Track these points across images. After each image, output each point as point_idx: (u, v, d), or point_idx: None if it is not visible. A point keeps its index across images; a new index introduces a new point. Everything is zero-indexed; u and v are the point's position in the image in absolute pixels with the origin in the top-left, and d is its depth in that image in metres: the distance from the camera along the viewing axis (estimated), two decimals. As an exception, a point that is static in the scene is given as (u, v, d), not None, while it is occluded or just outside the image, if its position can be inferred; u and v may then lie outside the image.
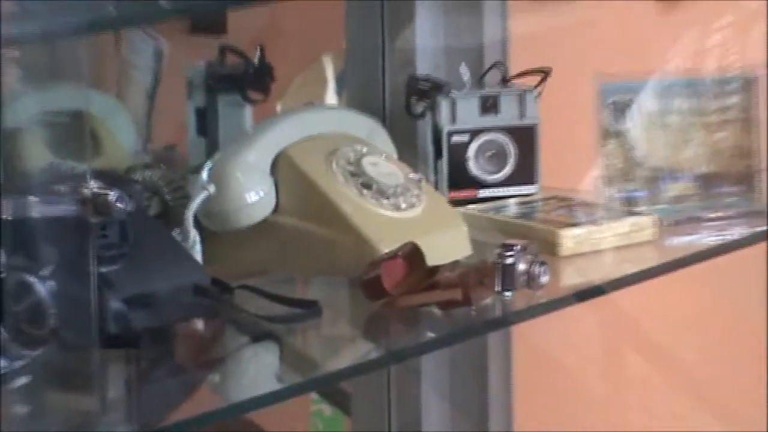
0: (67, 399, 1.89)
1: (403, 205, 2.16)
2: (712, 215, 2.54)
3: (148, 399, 1.99)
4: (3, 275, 1.86)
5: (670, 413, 3.53)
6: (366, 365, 2.26)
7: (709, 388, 3.19)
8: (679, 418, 3.51)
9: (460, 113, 2.42)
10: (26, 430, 2.05)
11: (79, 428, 1.90)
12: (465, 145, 2.42)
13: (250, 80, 2.43)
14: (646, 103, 2.59)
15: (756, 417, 3.16)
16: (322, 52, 2.68)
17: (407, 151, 2.41)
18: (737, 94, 2.52)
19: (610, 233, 2.32)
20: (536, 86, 2.48)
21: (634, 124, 2.56)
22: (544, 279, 2.08)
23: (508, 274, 2.07)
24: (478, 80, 2.50)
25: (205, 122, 2.44)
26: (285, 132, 2.25)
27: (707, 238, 2.50)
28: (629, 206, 2.46)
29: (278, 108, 2.47)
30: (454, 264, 2.13)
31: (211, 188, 2.17)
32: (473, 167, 2.43)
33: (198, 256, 2.13)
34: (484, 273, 2.06)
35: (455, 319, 2.12)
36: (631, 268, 2.32)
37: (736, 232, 2.54)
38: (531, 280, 2.08)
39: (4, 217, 1.95)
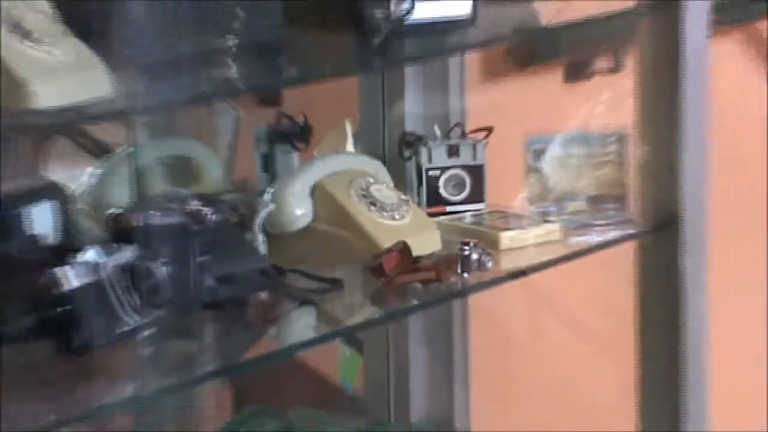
0: (176, 345, 2.06)
1: (397, 217, 2.27)
2: (597, 223, 2.59)
3: (231, 345, 2.16)
4: (136, 263, 1.97)
5: (575, 360, 3.58)
6: (372, 322, 2.47)
7: (606, 344, 3.16)
8: (584, 367, 3.57)
9: (434, 156, 2.50)
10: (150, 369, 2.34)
11: (183, 365, 2.11)
12: (437, 178, 2.50)
13: (297, 135, 2.51)
14: (554, 149, 2.65)
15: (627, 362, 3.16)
16: (344, 116, 2.68)
17: (399, 181, 2.48)
18: (614, 144, 2.61)
19: (531, 235, 2.43)
20: (483, 138, 2.59)
21: (546, 163, 2.63)
22: (489, 265, 2.20)
23: (465, 261, 2.20)
24: (446, 135, 2.59)
25: (267, 163, 2.52)
26: (320, 169, 2.35)
27: (594, 239, 2.56)
28: (544, 217, 2.54)
29: (315, 153, 2.67)
30: (430, 255, 2.26)
31: (272, 206, 2.29)
32: (443, 192, 2.51)
33: (262, 250, 2.27)
34: (450, 261, 2.22)
35: (431, 291, 2.27)
36: (544, 258, 2.41)
37: (613, 234, 2.61)
38: (480, 265, 2.21)
39: (135, 224, 2.06)
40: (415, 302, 2.36)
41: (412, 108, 2.79)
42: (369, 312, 2.38)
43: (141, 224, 2.03)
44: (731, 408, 3.26)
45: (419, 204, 2.44)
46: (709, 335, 2.73)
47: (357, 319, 2.35)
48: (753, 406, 3.80)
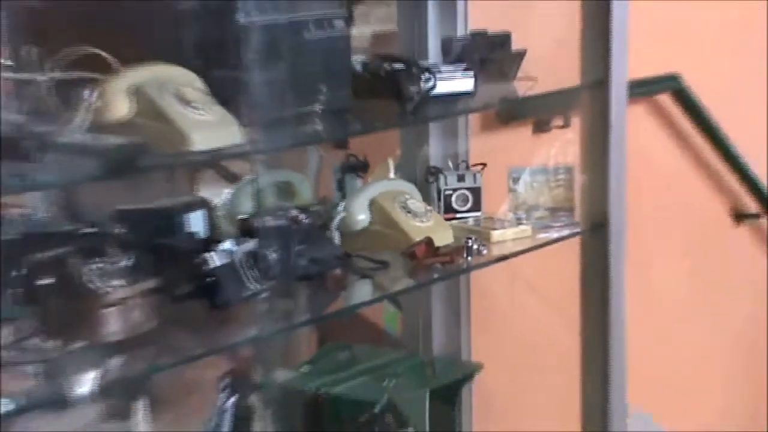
0: (281, 304, 2.06)
1: (424, 220, 2.31)
2: (554, 226, 2.57)
3: (316, 304, 2.18)
4: (256, 251, 1.99)
5: (540, 311, 3.45)
6: (407, 289, 2.46)
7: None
8: (544, 315, 3.44)
9: (448, 181, 2.51)
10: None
11: (286, 316, 2.19)
12: (450, 195, 2.49)
13: (359, 167, 2.53)
14: (526, 177, 2.59)
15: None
16: (388, 154, 2.67)
17: (426, 197, 2.47)
18: (564, 174, 2.55)
19: (511, 233, 2.44)
20: (480, 170, 2.57)
21: (520, 186, 2.58)
22: (484, 252, 2.28)
23: (468, 250, 2.26)
24: (456, 167, 2.61)
25: (340, 185, 2.54)
26: (374, 189, 2.37)
27: (552, 235, 2.51)
28: (519, 221, 2.52)
29: (370, 179, 2.67)
30: (446, 246, 2.30)
31: (343, 213, 2.32)
32: (453, 204, 2.48)
33: (337, 243, 2.31)
34: (458, 249, 2.28)
35: (446, 269, 2.32)
36: (519, 248, 2.41)
37: (564, 233, 2.64)
38: (478, 252, 2.28)
39: (256, 225, 2.09)
40: (435, 276, 2.38)
41: (434, 149, 2.74)
42: (405, 283, 2.34)
43: (259, 225, 2.08)
44: (647, 357, 3.17)
45: (438, 212, 2.45)
46: (625, 298, 2.62)
47: (397, 287, 2.36)
48: (667, 359, 3.62)
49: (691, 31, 3.46)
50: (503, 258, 2.38)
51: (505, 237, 2.38)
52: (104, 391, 1.78)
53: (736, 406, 3.91)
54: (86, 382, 1.71)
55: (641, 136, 3.05)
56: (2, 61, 1.97)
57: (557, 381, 2.93)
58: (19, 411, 1.63)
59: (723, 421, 3.76)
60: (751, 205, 3.70)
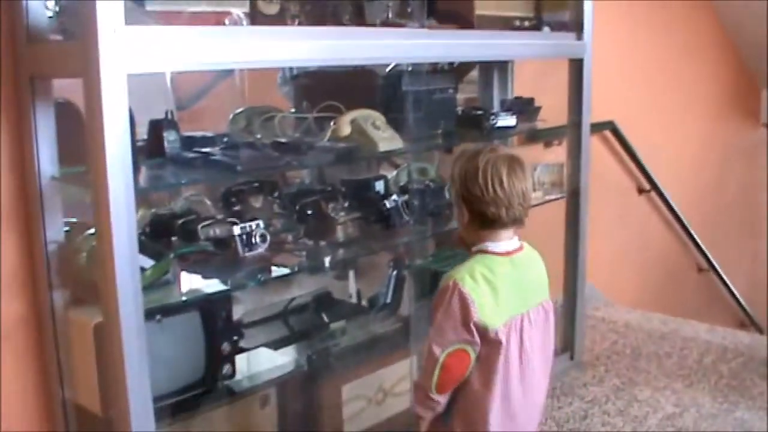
0: (418, 226, 2.86)
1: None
2: (553, 193, 3.51)
3: (435, 227, 3.05)
4: (409, 201, 2.80)
5: (545, 236, 3.44)
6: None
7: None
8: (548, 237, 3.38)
9: None
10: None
11: (422, 233, 3.04)
12: None
13: None
14: (540, 169, 3.53)
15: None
16: None
17: None
18: (559, 168, 3.59)
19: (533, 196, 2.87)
20: None
21: (537, 173, 3.52)
22: None
23: None
24: None
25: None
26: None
27: (551, 197, 3.48)
28: (536, 190, 3.30)
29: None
30: None
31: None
32: None
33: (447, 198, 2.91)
34: None
35: None
36: (535, 203, 3.03)
37: (557, 196, 3.51)
38: None
39: (409, 188, 2.80)
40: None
41: None
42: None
43: (410, 188, 3.00)
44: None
45: None
46: (586, 225, 3.62)
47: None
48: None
49: (623, 89, 4.68)
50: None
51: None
52: (335, 265, 2.88)
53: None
54: (326, 259, 2.65)
55: (596, 152, 3.96)
56: (289, 112, 3.01)
57: (551, 263, 3.12)
58: (296, 272, 2.64)
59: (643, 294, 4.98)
60: (646, 185, 5.17)
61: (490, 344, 1.97)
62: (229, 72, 2.96)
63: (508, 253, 2.03)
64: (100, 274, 2.03)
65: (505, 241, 2.03)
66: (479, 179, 1.96)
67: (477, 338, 1.95)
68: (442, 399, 2.01)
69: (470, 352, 1.97)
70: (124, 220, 1.97)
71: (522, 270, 2.05)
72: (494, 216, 1.99)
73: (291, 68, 3.18)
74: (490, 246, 2.01)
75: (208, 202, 2.76)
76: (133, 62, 1.96)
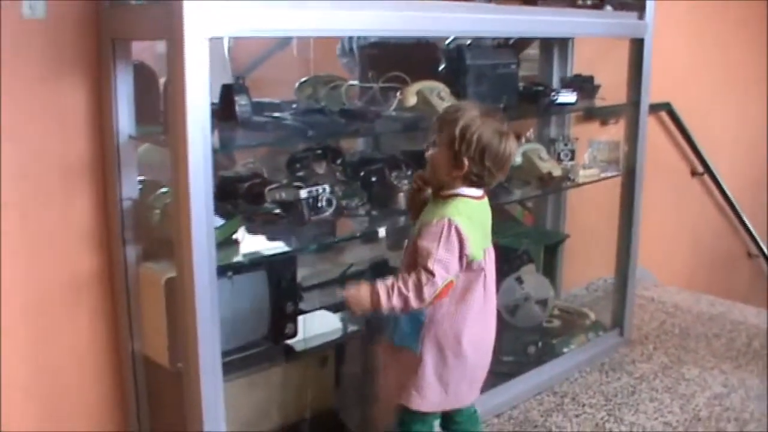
0: None
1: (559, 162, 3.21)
2: (609, 170, 3.53)
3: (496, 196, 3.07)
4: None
5: (590, 209, 3.91)
6: (538, 195, 3.52)
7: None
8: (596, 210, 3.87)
9: (559, 146, 3.41)
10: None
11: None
12: (561, 152, 3.43)
13: (517, 136, 2.74)
14: (595, 145, 3.63)
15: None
16: (531, 130, 3.58)
17: (548, 153, 3.38)
18: (615, 146, 3.61)
19: (588, 172, 3.43)
20: (575, 141, 3.50)
21: (594, 150, 3.62)
22: (575, 179, 3.31)
23: (567, 178, 3.27)
24: (563, 139, 3.48)
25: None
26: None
27: (608, 174, 3.51)
28: (592, 167, 3.46)
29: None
30: (557, 176, 3.28)
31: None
32: (561, 156, 3.41)
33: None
34: (563, 178, 3.25)
35: (556, 186, 3.29)
36: (591, 180, 3.40)
37: (612, 173, 3.53)
38: (572, 180, 3.32)
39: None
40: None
41: (554, 129, 3.79)
42: (536, 192, 3.41)
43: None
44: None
45: (556, 161, 3.35)
46: (640, 206, 3.65)
47: (532, 194, 3.44)
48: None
49: (682, 71, 4.69)
50: (584, 184, 3.45)
51: (585, 174, 3.44)
52: (396, 231, 2.86)
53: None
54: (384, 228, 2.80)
55: (651, 132, 3.90)
56: (352, 81, 3.02)
57: (604, 241, 3.78)
58: (359, 237, 2.80)
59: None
60: (698, 166, 5.23)
61: (473, 273, 2.25)
62: (287, 41, 3.03)
63: (478, 198, 2.26)
64: (176, 231, 2.10)
65: (476, 188, 2.25)
66: (499, 156, 2.19)
67: (462, 269, 2.21)
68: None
69: (455, 281, 2.22)
70: (201, 179, 2.04)
71: (486, 213, 2.30)
72: (488, 183, 2.25)
73: (351, 40, 3.25)
74: (466, 191, 2.23)
75: (263, 170, 2.81)
76: (215, 26, 2.03)
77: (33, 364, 2.39)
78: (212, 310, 2.13)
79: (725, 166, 5.29)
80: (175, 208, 2.11)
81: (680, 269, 5.12)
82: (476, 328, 2.31)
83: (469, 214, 2.21)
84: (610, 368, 3.59)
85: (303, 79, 3.00)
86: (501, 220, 3.27)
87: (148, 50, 2.60)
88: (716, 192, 5.38)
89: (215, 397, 2.20)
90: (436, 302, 2.20)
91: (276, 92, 2.99)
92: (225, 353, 2.21)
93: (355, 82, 3.11)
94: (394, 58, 3.10)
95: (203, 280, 2.10)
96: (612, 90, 3.60)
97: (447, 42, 3.16)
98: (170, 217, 2.21)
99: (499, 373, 3.14)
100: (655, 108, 4.23)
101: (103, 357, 2.54)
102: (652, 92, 3.60)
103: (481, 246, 2.25)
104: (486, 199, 2.29)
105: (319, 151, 2.84)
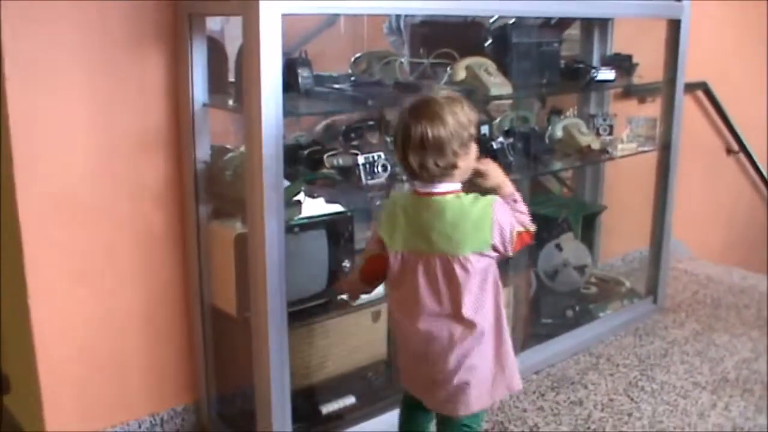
0: (517, 158, 2.91)
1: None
2: (646, 145, 3.64)
3: (529, 163, 3.22)
4: (513, 142, 3.25)
5: (635, 183, 3.92)
6: (578, 166, 3.58)
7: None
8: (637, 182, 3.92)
9: (598, 121, 3.50)
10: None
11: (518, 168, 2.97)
12: (600, 126, 3.53)
13: (558, 112, 3.50)
14: (634, 122, 3.67)
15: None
16: (572, 107, 3.66)
17: (588, 128, 3.44)
18: (652, 122, 3.68)
19: (627, 146, 3.52)
20: (614, 117, 3.59)
21: (632, 125, 3.66)
22: (614, 153, 3.41)
23: (607, 151, 3.36)
24: (602, 115, 3.59)
25: (548, 119, 3.42)
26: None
27: (645, 149, 3.62)
28: (630, 142, 3.55)
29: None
30: (597, 149, 3.36)
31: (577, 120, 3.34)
32: (600, 131, 3.49)
33: (548, 143, 3.25)
34: (602, 151, 3.35)
35: (595, 159, 3.39)
36: (628, 153, 3.51)
37: (650, 148, 3.63)
38: (610, 153, 3.41)
39: (513, 131, 3.01)
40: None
41: (593, 106, 3.90)
42: (576, 163, 3.53)
43: (514, 131, 3.19)
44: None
45: (595, 135, 3.44)
46: (676, 180, 3.75)
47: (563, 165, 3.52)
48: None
49: (718, 51, 4.70)
50: (622, 157, 3.55)
51: (623, 148, 3.55)
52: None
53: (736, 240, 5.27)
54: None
55: (687, 110, 3.98)
56: (404, 59, 3.12)
57: (641, 214, 3.83)
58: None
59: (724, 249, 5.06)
60: (734, 145, 5.20)
61: (403, 262, 2.13)
62: (334, 19, 3.20)
63: (420, 194, 2.16)
64: (249, 189, 2.28)
65: (419, 181, 2.14)
66: (399, 136, 2.08)
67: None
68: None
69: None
70: (273, 142, 2.22)
71: (429, 212, 2.15)
72: (417, 174, 2.10)
73: (398, 18, 3.36)
74: (417, 185, 2.15)
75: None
76: (288, 4, 2.20)
77: (108, 306, 2.57)
78: (279, 264, 2.30)
79: (760, 145, 5.32)
80: (248, 168, 2.27)
81: (714, 244, 5.17)
82: (406, 327, 2.14)
83: (404, 205, 2.10)
84: (644, 333, 3.70)
85: (357, 55, 3.15)
86: (541, 192, 3.65)
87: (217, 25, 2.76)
88: (751, 170, 5.42)
89: (281, 344, 2.37)
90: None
91: (326, 66, 3.07)
92: (289, 303, 2.37)
93: (407, 58, 3.23)
94: (442, 36, 3.18)
95: (272, 236, 2.27)
96: (650, 69, 3.67)
97: (491, 21, 3.28)
98: (242, 177, 2.36)
99: (538, 335, 3.34)
100: (691, 87, 4.31)
101: (175, 305, 2.71)
102: (689, 71, 3.67)
103: (405, 240, 2.09)
104: (440, 198, 2.05)
105: (372, 122, 2.97)
